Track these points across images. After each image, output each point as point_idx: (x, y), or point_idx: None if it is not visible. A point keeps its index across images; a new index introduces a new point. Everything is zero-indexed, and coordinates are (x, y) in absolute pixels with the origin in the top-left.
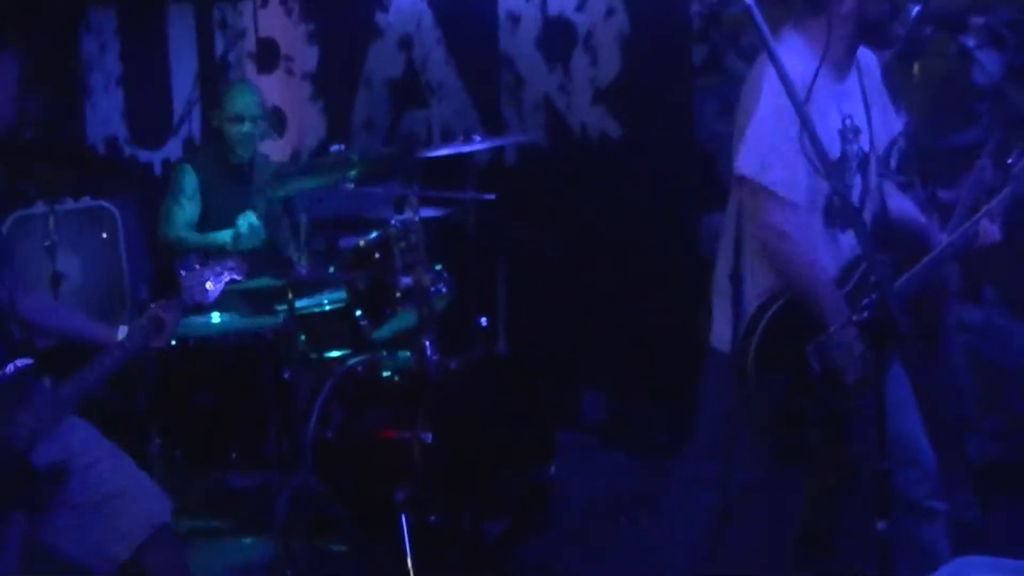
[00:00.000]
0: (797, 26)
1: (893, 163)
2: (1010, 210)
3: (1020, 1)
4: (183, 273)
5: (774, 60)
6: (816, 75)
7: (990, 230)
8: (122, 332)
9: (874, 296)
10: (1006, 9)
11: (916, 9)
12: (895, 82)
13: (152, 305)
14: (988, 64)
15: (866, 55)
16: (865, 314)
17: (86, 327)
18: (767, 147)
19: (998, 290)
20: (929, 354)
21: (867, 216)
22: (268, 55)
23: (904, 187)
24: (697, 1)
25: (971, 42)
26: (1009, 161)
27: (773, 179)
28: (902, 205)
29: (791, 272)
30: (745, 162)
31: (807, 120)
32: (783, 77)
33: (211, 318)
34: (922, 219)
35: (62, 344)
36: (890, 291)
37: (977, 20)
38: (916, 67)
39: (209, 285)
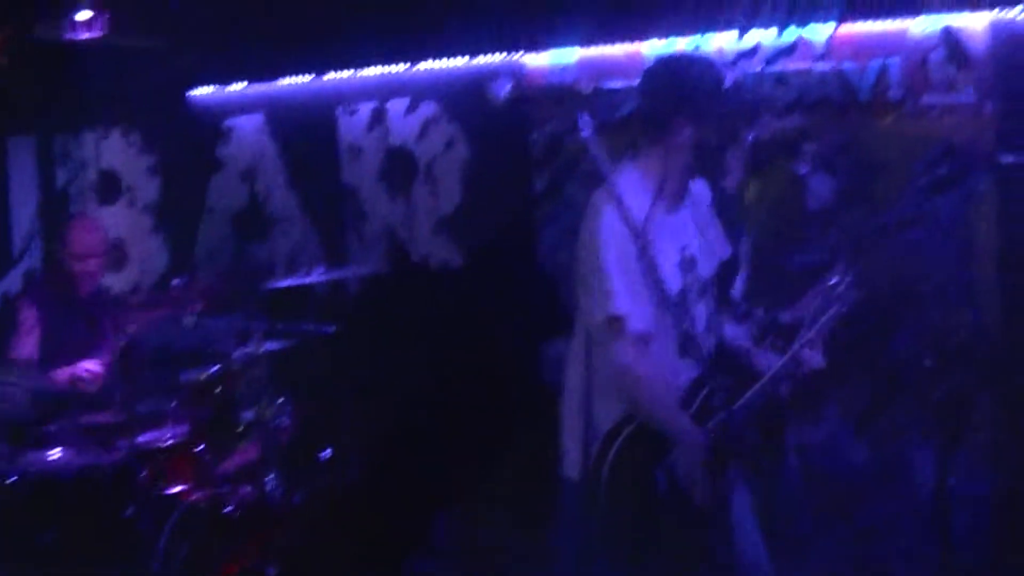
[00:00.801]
0: (635, 156)
1: (736, 289)
2: (842, 329)
3: (851, 127)
4: None
5: (613, 194)
6: (652, 208)
7: (811, 358)
8: None
9: (719, 417)
10: (837, 135)
11: (750, 137)
12: (730, 208)
13: None
14: (820, 189)
15: (697, 183)
16: (710, 435)
17: None
18: (614, 288)
19: (839, 409)
20: (772, 470)
21: (710, 343)
22: (109, 187)
23: (742, 314)
24: (536, 130)
25: (804, 168)
26: (831, 283)
27: (621, 318)
28: (735, 333)
29: (639, 403)
30: (593, 304)
31: (649, 256)
32: (624, 211)
33: (50, 454)
34: (750, 347)
35: None
36: (732, 413)
37: (809, 147)
38: (750, 192)
39: None
